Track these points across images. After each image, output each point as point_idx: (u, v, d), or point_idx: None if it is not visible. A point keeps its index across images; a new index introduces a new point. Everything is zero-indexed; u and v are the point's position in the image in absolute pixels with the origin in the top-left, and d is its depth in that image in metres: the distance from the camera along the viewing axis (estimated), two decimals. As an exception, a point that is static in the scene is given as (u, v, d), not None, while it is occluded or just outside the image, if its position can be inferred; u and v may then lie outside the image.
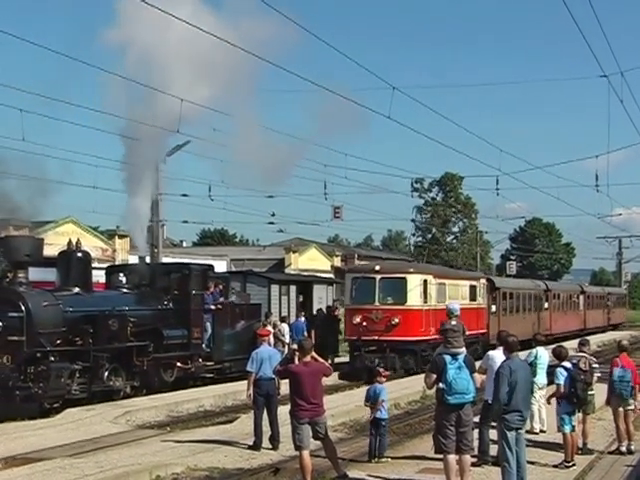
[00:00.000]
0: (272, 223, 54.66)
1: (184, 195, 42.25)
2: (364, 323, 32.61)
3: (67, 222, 66.71)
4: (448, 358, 13.00)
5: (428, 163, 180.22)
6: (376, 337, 32.62)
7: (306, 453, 14.36)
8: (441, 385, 12.92)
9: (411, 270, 34.81)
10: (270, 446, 18.04)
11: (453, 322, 14.40)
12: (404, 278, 33.45)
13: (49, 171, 26.26)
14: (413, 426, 22.20)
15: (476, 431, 14.84)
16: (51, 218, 62.66)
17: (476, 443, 14.87)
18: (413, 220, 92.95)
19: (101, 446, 18.82)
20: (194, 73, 28.47)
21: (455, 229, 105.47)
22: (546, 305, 55.18)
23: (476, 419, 14.76)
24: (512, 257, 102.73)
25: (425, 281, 33.94)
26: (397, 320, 32.45)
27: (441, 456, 13.40)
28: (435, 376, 13.05)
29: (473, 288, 40.13)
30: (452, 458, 13.12)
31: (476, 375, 13.67)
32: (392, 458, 16.50)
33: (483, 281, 42.49)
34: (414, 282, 33.36)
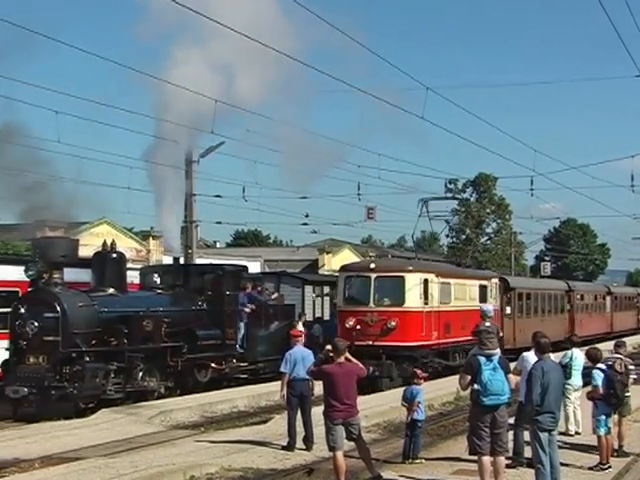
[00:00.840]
0: (306, 224, 54.76)
1: (218, 196, 42.35)
2: (358, 327, 29.59)
3: (102, 223, 67.13)
4: (483, 359, 12.95)
5: (462, 163, 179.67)
6: (371, 342, 29.45)
7: (340, 454, 14.35)
8: (476, 386, 12.87)
9: (410, 268, 31.31)
10: (304, 447, 18.06)
11: (487, 323, 14.40)
12: (402, 277, 30.42)
13: (84, 172, 26.31)
14: (447, 427, 22.17)
15: (511, 433, 14.79)
16: (86, 219, 63.17)
17: (511, 445, 14.82)
18: (447, 221, 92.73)
19: (135, 446, 18.93)
20: (228, 75, 28.55)
21: (489, 230, 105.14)
22: (568, 307, 52.69)
23: (511, 420, 14.71)
24: (547, 258, 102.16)
25: (426, 280, 30.93)
26: (394, 323, 29.55)
27: (475, 457, 13.35)
28: (470, 377, 13.00)
29: (483, 288, 36.99)
30: (486, 460, 13.07)
31: (511, 376, 13.61)
32: (426, 459, 16.45)
33: (495, 280, 39.17)
34: (413, 281, 30.36)
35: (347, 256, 76.35)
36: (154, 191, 29.10)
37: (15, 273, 25.20)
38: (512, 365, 14.67)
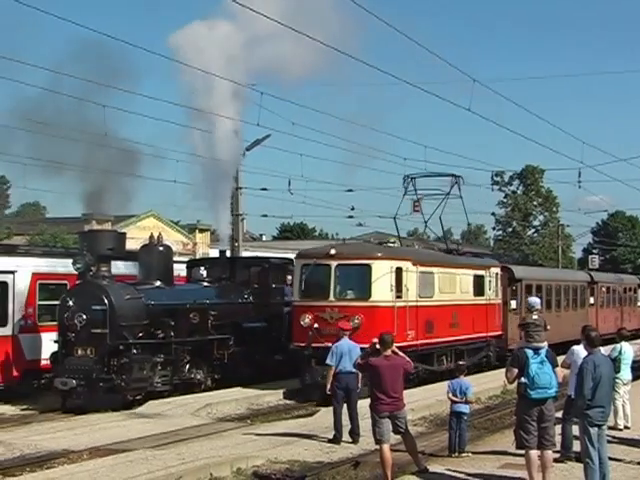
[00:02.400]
0: (351, 217, 54.65)
1: (264, 189, 42.42)
2: (315, 325, 25.06)
3: (149, 216, 67.64)
4: (530, 352, 12.85)
5: (508, 156, 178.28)
6: (330, 344, 22.86)
7: (386, 447, 14.35)
8: (523, 380, 12.78)
9: (378, 254, 26.29)
10: (350, 440, 18.07)
11: (535, 316, 14.28)
12: (368, 265, 25.59)
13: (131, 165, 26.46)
14: (494, 421, 22.11)
15: (558, 427, 14.69)
16: (133, 212, 63.63)
17: (559, 439, 14.72)
18: (493, 213, 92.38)
19: (182, 438, 19.04)
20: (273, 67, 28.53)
21: (536, 223, 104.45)
22: (591, 300, 47.03)
23: (558, 414, 14.61)
24: (594, 251, 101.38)
25: (399, 269, 26.15)
26: (358, 321, 24.56)
27: (522, 451, 13.27)
28: (516, 371, 12.91)
29: (480, 279, 32.20)
30: (534, 454, 12.98)
31: (558, 369, 13.49)
32: (473, 453, 16.40)
33: (495, 270, 33.87)
34: (382, 270, 25.56)
35: (393, 249, 76.14)
36: (209, 185, 29.03)
37: (63, 266, 25.41)
38: (560, 358, 14.58)
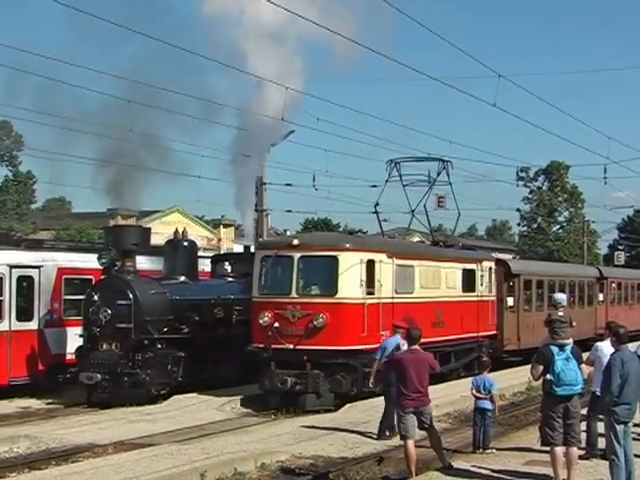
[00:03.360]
0: (376, 212, 54.51)
1: (288, 184, 42.37)
2: (276, 324, 22.58)
3: (173, 212, 67.83)
4: (555, 349, 12.79)
5: (534, 151, 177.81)
6: (292, 345, 22.47)
7: (411, 443, 14.33)
8: (548, 376, 12.72)
9: (346, 245, 23.44)
10: (376, 434, 18.09)
11: (560, 313, 14.21)
12: (334, 257, 22.87)
13: (156, 161, 26.54)
14: (518, 417, 22.04)
15: (583, 423, 14.62)
16: (158, 208, 63.85)
17: (583, 436, 14.65)
18: (518, 209, 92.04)
19: (207, 433, 19.12)
20: (298, 61, 28.48)
21: (561, 219, 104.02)
22: (600, 297, 44.01)
23: (583, 411, 14.54)
24: (620, 247, 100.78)
25: (370, 262, 23.46)
26: (322, 320, 22.25)
27: (547, 448, 13.22)
28: (542, 367, 12.85)
29: (470, 273, 29.52)
30: (559, 450, 12.93)
31: (583, 366, 13.44)
32: (497, 449, 16.33)
33: (488, 264, 31.09)
34: (350, 262, 22.86)
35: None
36: (235, 182, 29.00)
37: (89, 261, 25.53)
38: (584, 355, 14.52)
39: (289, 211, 50.23)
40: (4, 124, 72.02)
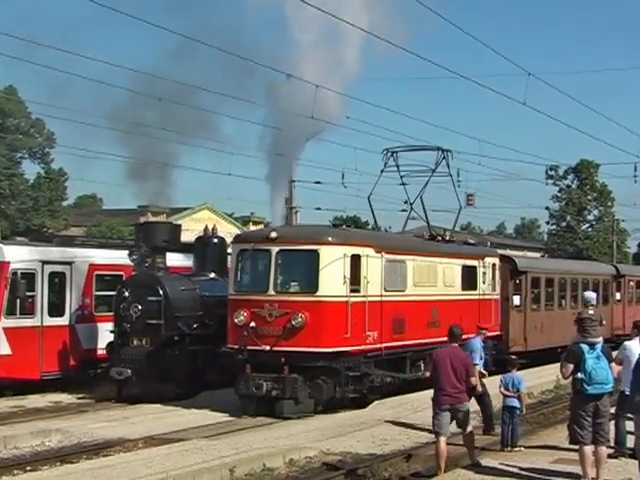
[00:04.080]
0: (404, 210, 54.51)
1: (317, 182, 42.48)
2: (252, 324, 20.89)
3: (203, 209, 68.10)
4: (586, 347, 12.72)
5: (563, 150, 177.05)
6: (269, 347, 20.76)
7: (443, 440, 14.31)
8: (579, 375, 12.65)
9: (329, 238, 21.49)
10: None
11: (590, 311, 14.14)
12: (315, 251, 21.08)
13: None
14: (547, 415, 21.96)
15: (612, 422, 14.55)
16: (188, 205, 64.10)
17: (612, 434, 14.58)
18: (547, 208, 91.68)
19: (237, 429, 19.17)
20: (328, 60, 28.36)
21: (590, 217, 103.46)
22: (617, 296, 41.55)
23: (612, 410, 14.47)
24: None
25: (356, 257, 21.56)
26: (301, 319, 20.53)
27: (575, 447, 13.17)
28: (572, 366, 12.78)
29: (471, 270, 27.46)
30: (588, 449, 12.86)
31: (613, 365, 13.39)
32: (525, 447, 16.28)
33: (491, 260, 28.86)
34: (332, 257, 21.03)
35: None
36: (269, 180, 28.92)
37: (119, 257, 25.66)
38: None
39: (318, 209, 50.24)
40: (37, 122, 72.53)
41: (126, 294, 23.57)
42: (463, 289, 26.84)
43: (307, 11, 22.34)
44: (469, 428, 14.63)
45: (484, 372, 18.27)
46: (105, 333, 24.87)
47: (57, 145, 71.49)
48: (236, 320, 21.08)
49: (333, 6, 22.74)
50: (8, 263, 24.40)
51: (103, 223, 66.34)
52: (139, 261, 23.98)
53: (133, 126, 25.43)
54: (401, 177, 28.33)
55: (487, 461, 14.95)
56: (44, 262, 25.10)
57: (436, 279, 25.41)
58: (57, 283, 25.60)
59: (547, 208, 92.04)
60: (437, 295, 25.28)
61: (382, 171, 27.96)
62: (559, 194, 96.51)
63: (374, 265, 22.21)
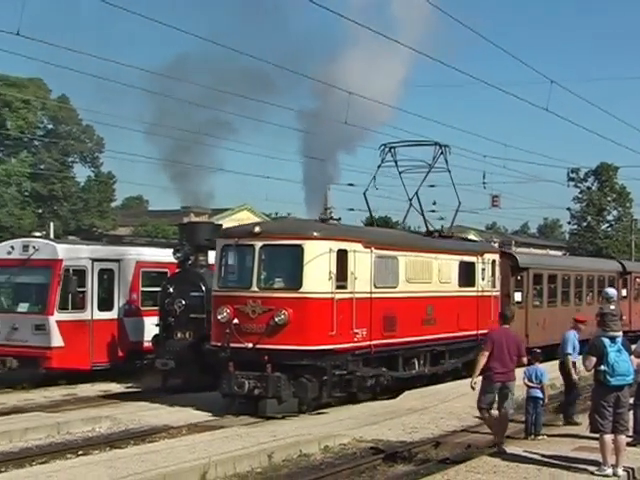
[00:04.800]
0: (433, 211, 54.45)
1: (350, 184, 42.37)
2: (235, 320, 19.42)
3: (243, 209, 68.22)
4: (607, 341, 12.66)
5: (584, 153, 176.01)
6: (251, 344, 19.22)
7: (495, 412, 14.61)
8: (602, 367, 12.59)
9: (314, 233, 19.78)
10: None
11: (612, 307, 14.07)
12: (299, 246, 19.44)
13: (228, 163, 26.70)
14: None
15: (630, 412, 14.45)
16: (228, 206, 64.26)
17: (630, 424, 14.48)
18: (569, 209, 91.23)
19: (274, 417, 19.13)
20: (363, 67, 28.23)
21: (610, 217, 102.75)
22: (624, 292, 39.49)
23: (630, 400, 14.37)
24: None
25: (342, 252, 19.87)
26: (284, 316, 19.00)
27: (595, 435, 13.10)
28: (595, 359, 12.72)
29: (468, 266, 25.50)
30: (608, 438, 12.79)
31: (632, 358, 13.32)
32: (548, 436, 16.20)
33: (491, 256, 26.83)
34: (317, 252, 19.37)
35: (472, 242, 75.58)
36: (305, 182, 28.83)
37: (164, 255, 25.79)
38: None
39: (351, 210, 50.20)
40: (87, 128, 73.10)
41: (170, 290, 23.65)
42: (460, 285, 24.95)
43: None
44: (510, 409, 14.61)
45: (575, 362, 17.97)
46: (151, 326, 24.99)
47: (106, 150, 72.06)
48: (219, 317, 19.63)
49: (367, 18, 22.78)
50: (61, 261, 24.62)
51: (149, 223, 66.63)
52: (183, 259, 24.06)
53: (177, 131, 25.55)
54: (400, 173, 26.74)
55: (511, 448, 14.88)
56: (94, 260, 25.31)
57: (431, 275, 23.56)
58: (106, 279, 25.80)
59: (568, 209, 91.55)
60: (432, 292, 23.48)
61: (379, 166, 26.20)
62: (580, 195, 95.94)
63: (363, 261, 20.58)
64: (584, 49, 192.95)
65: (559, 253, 56.88)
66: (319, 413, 19.65)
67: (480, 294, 25.88)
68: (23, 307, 25.20)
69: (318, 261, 19.33)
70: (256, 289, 19.51)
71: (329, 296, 19.45)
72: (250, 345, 19.20)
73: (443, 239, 25.79)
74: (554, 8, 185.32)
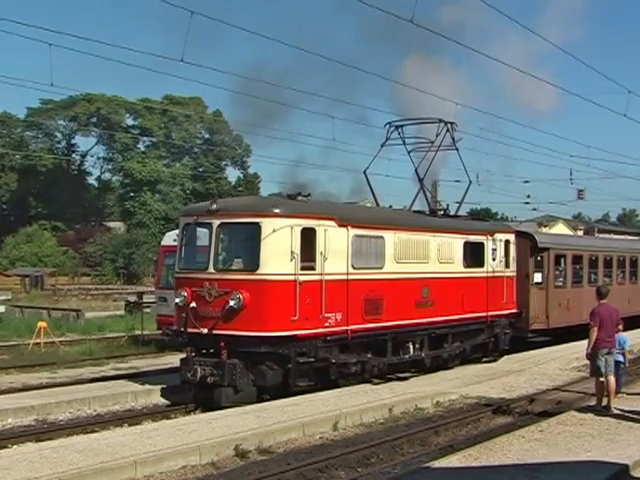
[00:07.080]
0: (527, 203, 54.20)
1: (457, 181, 42.09)
2: (192, 304, 15.61)
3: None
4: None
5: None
6: (206, 330, 15.42)
7: (610, 378, 14.16)
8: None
9: (274, 210, 15.57)
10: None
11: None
12: (256, 224, 15.34)
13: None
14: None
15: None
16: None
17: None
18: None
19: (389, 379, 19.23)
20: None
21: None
22: None
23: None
24: None
25: (308, 230, 15.69)
26: (239, 300, 15.05)
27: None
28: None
29: (475, 246, 20.96)
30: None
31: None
32: (627, 394, 15.89)
33: (503, 236, 22.18)
34: (276, 230, 15.26)
35: (560, 229, 74.05)
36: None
37: None
38: None
39: (457, 203, 49.79)
40: (237, 137, 74.55)
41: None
42: (466, 266, 20.48)
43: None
44: (611, 376, 14.21)
45: None
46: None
47: (253, 155, 73.21)
48: (177, 300, 15.87)
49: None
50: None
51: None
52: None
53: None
54: (408, 152, 22.45)
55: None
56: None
57: (427, 255, 19.02)
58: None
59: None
60: (429, 273, 19.03)
61: (382, 145, 21.68)
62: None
63: (336, 240, 16.21)
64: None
65: (636, 238, 55.15)
66: (435, 371, 19.46)
67: (490, 275, 21.33)
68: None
69: (277, 240, 15.23)
70: (212, 271, 15.59)
71: (291, 278, 15.26)
72: (205, 330, 15.40)
73: (444, 218, 21.33)
74: (627, 17, 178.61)
